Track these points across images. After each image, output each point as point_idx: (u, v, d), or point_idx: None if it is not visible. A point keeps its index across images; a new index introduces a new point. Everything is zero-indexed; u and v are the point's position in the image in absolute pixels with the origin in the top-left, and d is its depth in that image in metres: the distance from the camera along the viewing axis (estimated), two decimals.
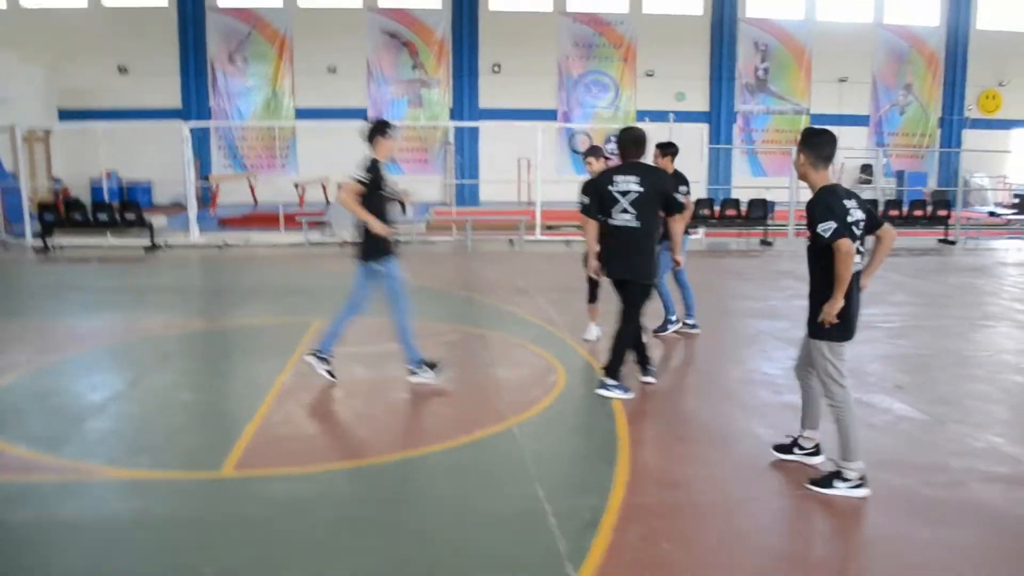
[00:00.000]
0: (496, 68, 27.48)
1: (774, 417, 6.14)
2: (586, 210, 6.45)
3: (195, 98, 26.53)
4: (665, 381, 7.09)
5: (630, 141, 6.36)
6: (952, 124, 29.84)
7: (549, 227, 17.52)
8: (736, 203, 17.35)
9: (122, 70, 26.42)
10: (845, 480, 4.68)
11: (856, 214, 4.58)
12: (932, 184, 27.79)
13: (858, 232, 4.59)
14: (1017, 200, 23.77)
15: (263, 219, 19.18)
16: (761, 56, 28.94)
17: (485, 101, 27.45)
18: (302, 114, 26.57)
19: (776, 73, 29.06)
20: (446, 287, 11.91)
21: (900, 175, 27.77)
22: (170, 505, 4.58)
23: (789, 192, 19.39)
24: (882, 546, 4.19)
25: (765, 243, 17.25)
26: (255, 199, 24.33)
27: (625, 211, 6.16)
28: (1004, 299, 11.48)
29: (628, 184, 6.14)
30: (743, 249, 16.95)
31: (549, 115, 27.41)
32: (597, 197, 6.31)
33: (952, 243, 17.81)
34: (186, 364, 7.67)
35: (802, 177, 4.76)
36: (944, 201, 18.23)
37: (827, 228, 4.46)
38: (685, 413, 6.40)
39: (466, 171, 26.32)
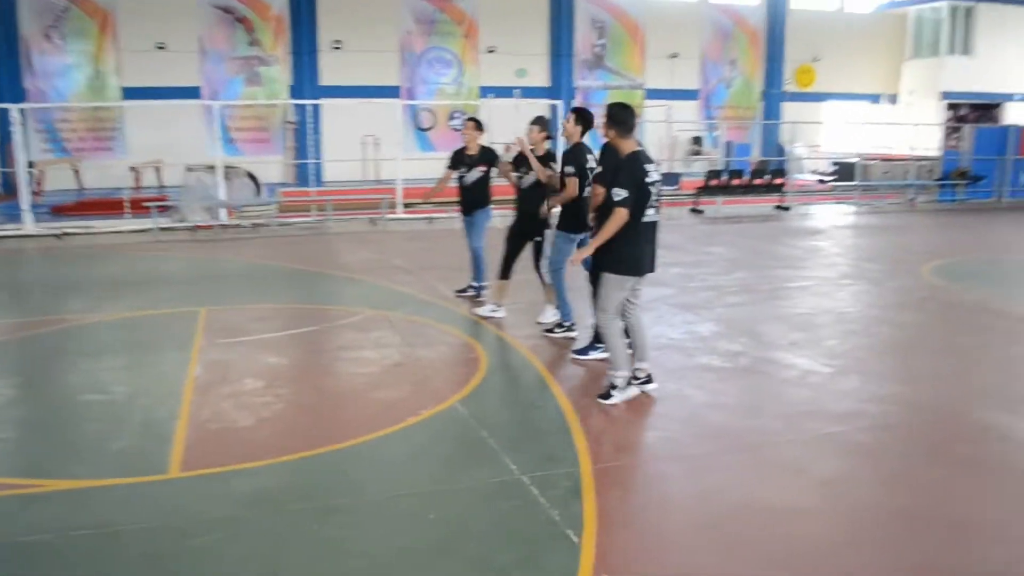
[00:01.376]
0: (337, 44, 26.79)
1: (695, 378, 6.45)
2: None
3: (6, 79, 24.26)
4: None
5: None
6: (772, 97, 31.88)
7: (407, 205, 17.37)
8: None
9: None
10: (615, 387, 5.78)
11: (654, 176, 5.55)
12: (756, 154, 29.57)
13: (654, 191, 5.56)
14: (835, 167, 25.76)
15: (101, 205, 17.86)
16: (598, 33, 29.74)
17: (326, 78, 26.71)
18: (130, 93, 24.82)
19: (612, 49, 29.97)
20: (324, 269, 11.63)
21: (728, 146, 29.38)
22: (133, 512, 4.29)
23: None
24: (836, 486, 4.55)
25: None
26: (81, 185, 22.67)
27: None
28: (852, 258, 12.49)
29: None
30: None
31: (392, 92, 26.97)
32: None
33: (787, 209, 19.11)
34: (79, 363, 7.10)
35: (614, 145, 5.68)
36: (781, 170, 19.53)
37: (618, 194, 5.41)
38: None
39: (309, 150, 25.57)
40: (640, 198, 5.45)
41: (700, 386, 6.23)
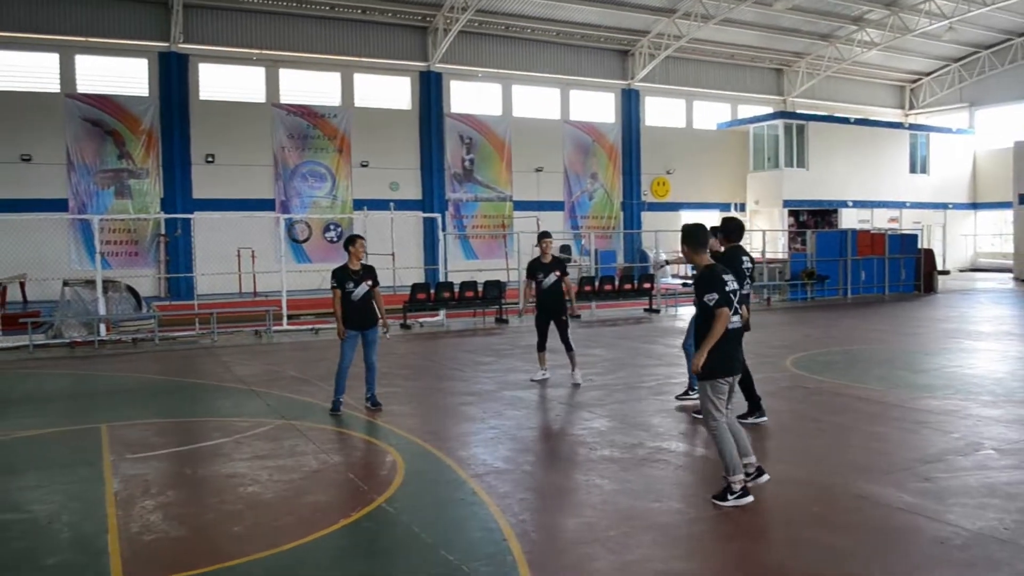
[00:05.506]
0: (210, 158, 26.96)
1: (602, 469, 6.99)
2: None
3: None
4: (497, 448, 7.72)
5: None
6: (632, 208, 33.99)
7: (292, 316, 17.54)
8: (473, 284, 18.53)
9: None
10: (732, 492, 5.89)
11: (732, 285, 6.01)
12: (620, 260, 31.26)
13: (735, 299, 6.05)
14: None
15: None
16: (467, 148, 31.12)
17: (200, 191, 26.74)
18: None
19: (481, 164, 31.39)
20: (220, 382, 11.66)
21: (595, 253, 30.95)
22: None
23: (507, 273, 21.15)
24: (740, 554, 5.14)
25: (501, 321, 18.51)
26: None
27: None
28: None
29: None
30: (485, 327, 18.09)
31: (267, 205, 27.33)
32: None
33: (656, 311, 20.35)
34: None
35: (689, 261, 6.25)
36: (649, 275, 20.88)
37: (711, 298, 5.87)
38: (524, 473, 7.04)
39: (181, 263, 25.32)
40: (727, 304, 5.88)
41: (607, 476, 6.77)
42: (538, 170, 32.15)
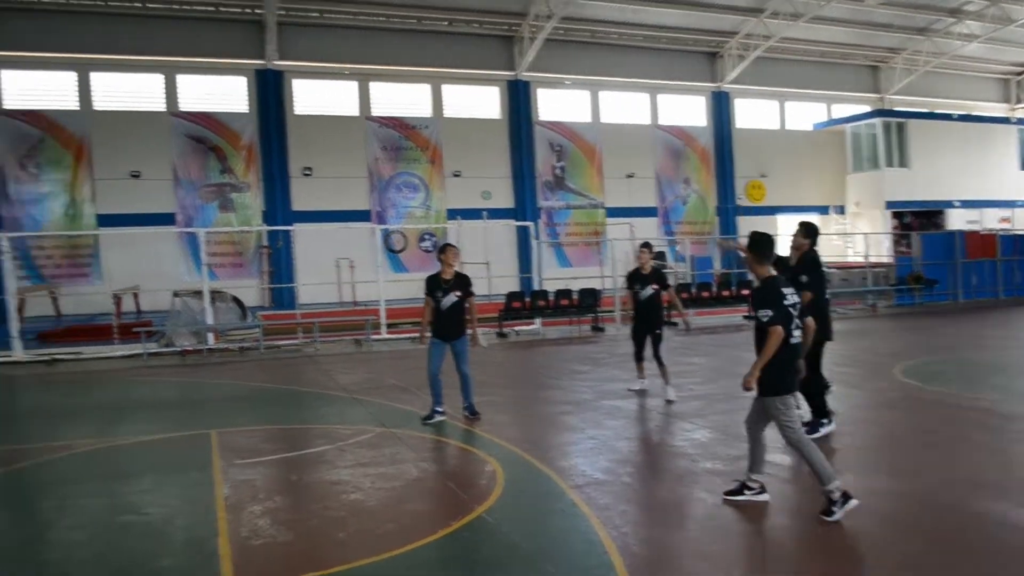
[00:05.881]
0: (307, 171, 27.70)
1: (705, 482, 6.86)
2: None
3: None
4: (597, 459, 7.67)
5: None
6: (727, 212, 33.38)
7: (390, 325, 17.83)
8: (568, 293, 18.48)
9: None
10: (834, 502, 5.67)
11: (792, 299, 5.80)
12: (717, 267, 30.73)
13: (795, 312, 5.80)
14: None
15: (88, 331, 18.09)
16: (557, 155, 31.14)
17: (298, 203, 27.51)
18: (105, 221, 25.32)
19: (572, 171, 31.35)
20: (323, 389, 11.94)
21: (690, 260, 30.53)
22: None
23: (601, 281, 21.02)
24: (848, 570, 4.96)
25: (597, 329, 18.40)
26: (59, 312, 22.81)
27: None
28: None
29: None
30: (581, 336, 17.98)
31: (363, 216, 27.89)
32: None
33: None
34: (104, 486, 7.31)
35: (751, 270, 6.05)
36: (748, 281, 20.46)
37: (765, 314, 5.70)
38: (624, 485, 6.96)
39: (283, 274, 26.10)
40: (784, 320, 5.69)
41: (710, 489, 6.63)
42: (629, 176, 31.91)
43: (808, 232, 8.25)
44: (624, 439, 8.49)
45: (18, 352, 15.18)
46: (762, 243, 5.97)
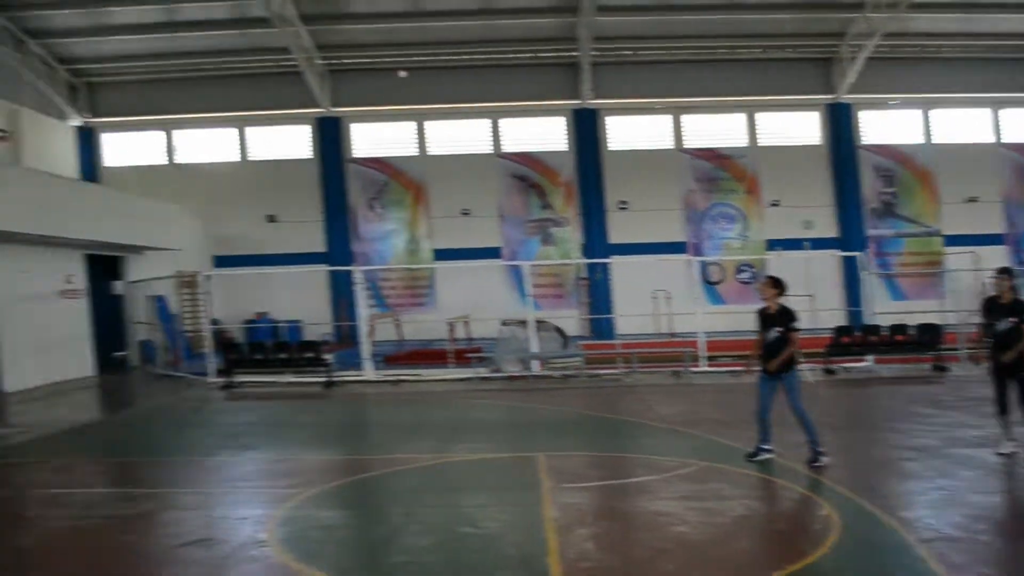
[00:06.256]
0: (623, 205, 28.25)
1: None
2: None
3: (338, 243, 28.00)
4: (947, 512, 6.94)
5: None
6: None
7: (710, 358, 17.54)
8: (903, 328, 17.02)
9: (270, 219, 28.14)
10: None
11: None
12: None
13: None
14: None
15: (426, 356, 19.83)
16: (885, 181, 29.00)
17: (615, 236, 28.11)
18: (440, 255, 27.72)
19: (903, 196, 29.00)
20: (642, 419, 12.00)
21: None
22: None
23: (942, 315, 19.07)
24: None
25: (939, 368, 16.60)
26: (401, 337, 25.18)
27: None
28: None
29: None
30: (920, 375, 16.42)
31: (678, 248, 27.80)
32: None
33: None
34: (444, 498, 7.91)
35: None
36: None
37: None
38: (983, 544, 6.22)
39: (601, 305, 26.78)
40: None
41: None
42: (971, 200, 28.82)
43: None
44: (980, 493, 7.54)
45: (369, 372, 16.99)
46: None
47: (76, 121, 27.85)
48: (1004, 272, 9.20)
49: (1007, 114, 29.53)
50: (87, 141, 28.35)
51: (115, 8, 24.20)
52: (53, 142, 26.51)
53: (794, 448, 8.97)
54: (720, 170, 28.79)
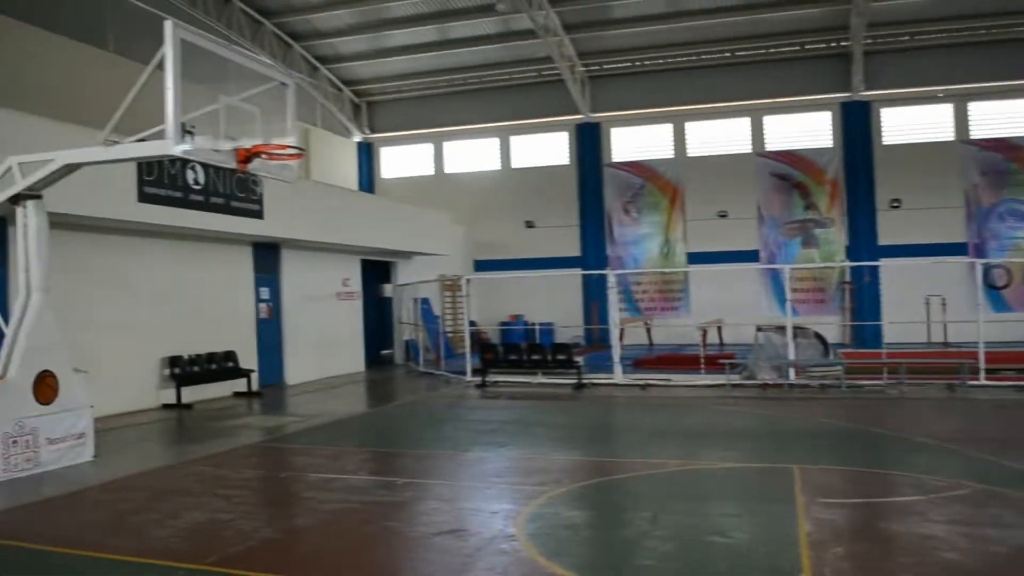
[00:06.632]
0: (895, 203, 26.31)
1: None
2: None
3: (592, 247, 28.46)
4: None
5: None
6: None
7: (991, 371, 15.90)
8: None
9: (528, 224, 29.16)
10: None
11: None
12: None
13: None
14: None
15: (677, 360, 19.68)
16: None
17: (884, 237, 26.25)
18: (694, 258, 27.32)
19: None
20: (912, 436, 11.14)
21: None
22: None
23: None
24: None
25: None
26: (651, 341, 25.12)
27: None
28: None
29: None
30: None
31: (957, 249, 25.43)
32: None
33: None
34: (694, 506, 7.82)
35: None
36: None
37: None
38: None
39: (866, 311, 25.11)
40: None
41: None
42: None
43: None
44: None
45: (618, 375, 17.12)
46: None
47: (358, 137, 30.56)
48: None
49: None
50: (366, 155, 31.07)
51: (394, 31, 26.22)
52: (338, 157, 29.28)
53: None
54: (1011, 162, 25.98)
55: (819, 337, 16.98)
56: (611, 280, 17.89)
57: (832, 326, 24.25)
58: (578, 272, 26.34)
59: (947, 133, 26.49)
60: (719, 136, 28.12)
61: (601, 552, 6.67)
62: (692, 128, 28.38)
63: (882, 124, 26.87)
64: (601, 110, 28.53)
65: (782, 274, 18.60)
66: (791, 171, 27.31)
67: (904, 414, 13.14)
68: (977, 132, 26.29)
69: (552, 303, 27.63)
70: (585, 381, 17.15)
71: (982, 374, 15.56)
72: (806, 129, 27.55)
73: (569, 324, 26.14)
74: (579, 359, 17.39)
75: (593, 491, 8.57)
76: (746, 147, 27.77)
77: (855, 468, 9.36)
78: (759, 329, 17.29)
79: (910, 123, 26.83)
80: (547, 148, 29.60)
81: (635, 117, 28.63)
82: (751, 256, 26.91)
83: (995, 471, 8.77)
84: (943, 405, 13.89)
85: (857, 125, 26.66)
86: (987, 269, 24.76)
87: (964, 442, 10.38)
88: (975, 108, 26.35)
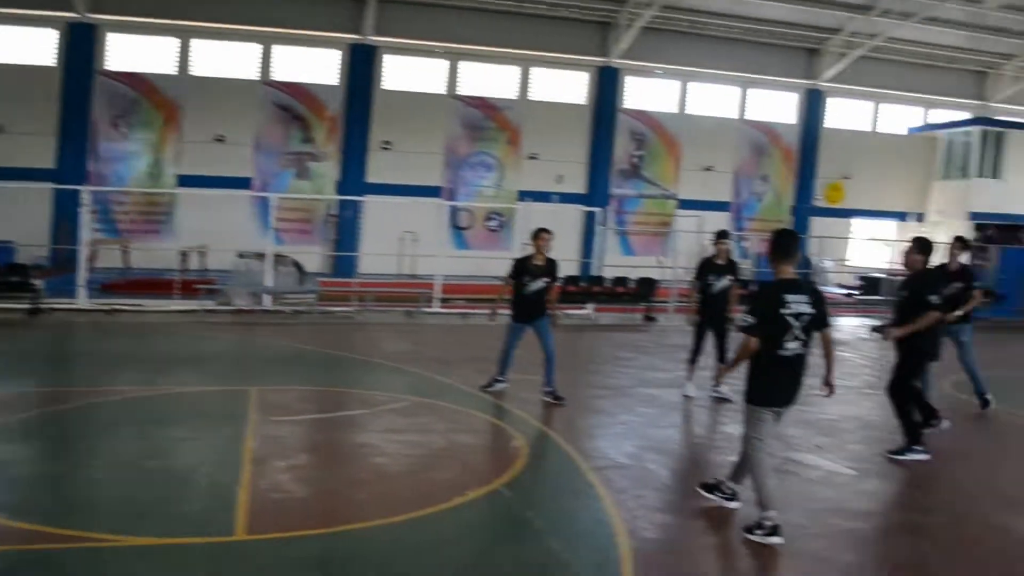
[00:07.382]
0: (386, 145, 27.92)
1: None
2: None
3: (72, 161, 25.53)
4: (622, 444, 7.58)
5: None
6: (802, 212, 32.52)
7: (444, 300, 17.90)
8: (624, 280, 18.27)
9: None
10: (762, 528, 5.28)
11: (798, 308, 5.41)
12: None
13: (797, 323, 5.42)
14: (861, 282, 26.18)
15: (150, 285, 18.66)
16: (637, 144, 30.73)
17: (373, 176, 27.75)
18: (185, 181, 25.98)
19: (649, 160, 30.89)
20: (366, 356, 12.08)
21: (757, 258, 29.85)
22: (205, 570, 4.69)
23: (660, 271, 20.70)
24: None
25: (649, 319, 18.03)
26: (128, 264, 23.59)
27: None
28: (877, 369, 12.66)
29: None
30: (631, 323, 17.75)
31: (435, 192, 27.99)
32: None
33: None
34: (139, 431, 7.52)
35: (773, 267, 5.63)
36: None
37: (744, 320, 5.50)
38: (645, 471, 6.85)
39: (348, 243, 26.44)
40: (774, 328, 5.39)
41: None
42: (707, 169, 31.21)
43: (922, 248, 7.90)
44: (655, 427, 8.39)
45: (83, 300, 15.77)
46: (780, 241, 5.64)
47: None
48: (722, 235, 10.02)
49: (753, 94, 32.08)
50: None
51: None
52: None
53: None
54: (488, 119, 29.14)
55: (297, 265, 17.45)
56: (85, 198, 16.27)
57: (315, 256, 25.12)
58: (48, 186, 23.46)
59: (440, 87, 28.73)
60: (227, 59, 26.93)
61: (25, 489, 6.03)
62: (199, 46, 26.67)
63: (384, 70, 28.19)
64: (101, 11, 25.40)
65: (270, 202, 18.68)
66: (294, 103, 27.30)
67: (366, 337, 14.19)
68: (464, 90, 28.93)
69: (15, 220, 24.21)
70: (43, 306, 15.43)
71: (436, 303, 17.42)
72: (315, 65, 27.75)
73: (34, 243, 23.21)
74: (38, 282, 15.58)
75: (29, 424, 7.75)
76: (254, 74, 27.09)
77: (310, 387, 9.86)
78: (239, 256, 17.20)
79: (411, 73, 28.48)
80: (34, 48, 25.50)
81: (136, 24, 25.92)
82: (244, 183, 26.36)
83: (431, 386, 9.90)
84: (400, 329, 15.27)
85: (362, 67, 27.48)
86: (454, 211, 27.68)
87: (411, 361, 11.54)
88: (465, 67, 28.90)
